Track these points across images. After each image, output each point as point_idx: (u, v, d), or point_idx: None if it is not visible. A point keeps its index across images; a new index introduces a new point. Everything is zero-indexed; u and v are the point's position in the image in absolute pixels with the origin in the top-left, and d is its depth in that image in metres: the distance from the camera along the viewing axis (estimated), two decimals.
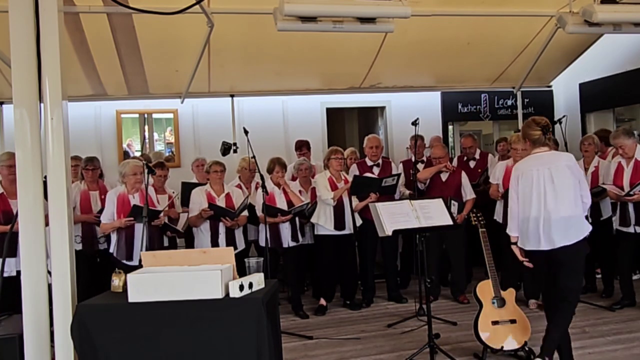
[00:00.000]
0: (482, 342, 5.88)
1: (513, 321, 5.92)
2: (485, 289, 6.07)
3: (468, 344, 6.37)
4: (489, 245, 6.27)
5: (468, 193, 8.36)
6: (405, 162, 9.11)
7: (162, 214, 7.14)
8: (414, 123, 7.82)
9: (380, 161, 8.59)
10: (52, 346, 4.56)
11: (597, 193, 7.72)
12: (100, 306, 4.35)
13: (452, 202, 7.83)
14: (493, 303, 6.01)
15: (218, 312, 4.16)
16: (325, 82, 10.32)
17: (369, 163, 8.53)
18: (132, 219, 6.76)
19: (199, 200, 7.53)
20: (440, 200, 6.31)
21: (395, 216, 5.93)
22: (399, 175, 8.26)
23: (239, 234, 7.74)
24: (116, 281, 4.63)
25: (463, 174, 8.45)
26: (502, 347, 5.83)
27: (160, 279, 4.20)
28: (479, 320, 5.94)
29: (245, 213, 7.75)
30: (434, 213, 6.08)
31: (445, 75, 10.56)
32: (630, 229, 7.43)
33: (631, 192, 7.24)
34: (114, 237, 7.06)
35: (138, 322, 4.19)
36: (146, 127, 10.71)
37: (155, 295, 4.17)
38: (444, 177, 8.36)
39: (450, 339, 6.65)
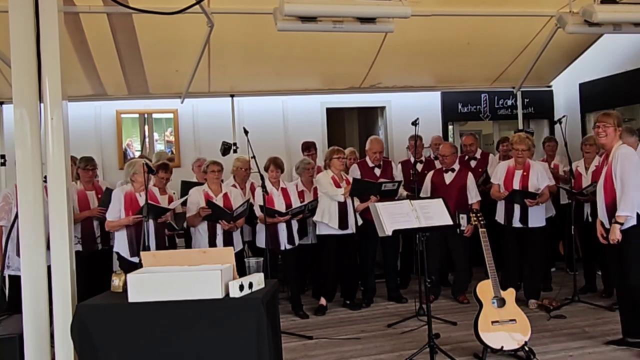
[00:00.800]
0: (482, 342, 5.88)
1: (513, 321, 5.93)
2: (485, 289, 6.07)
3: (468, 344, 6.38)
4: (489, 245, 6.27)
5: (473, 195, 8.33)
6: (404, 163, 9.12)
7: (169, 213, 7.19)
8: (414, 123, 7.83)
9: (381, 162, 8.59)
10: (52, 346, 4.57)
11: (596, 192, 7.71)
12: (100, 306, 4.36)
13: (460, 215, 7.82)
14: (493, 303, 6.01)
15: (218, 312, 4.16)
16: (325, 82, 10.32)
17: (370, 164, 8.54)
18: (140, 216, 6.74)
19: (196, 199, 7.51)
20: (440, 200, 6.32)
21: (395, 216, 5.94)
22: (400, 182, 8.25)
23: (236, 235, 7.71)
24: (116, 281, 4.64)
25: (470, 175, 8.42)
26: (502, 347, 5.83)
27: (160, 279, 4.21)
28: (479, 320, 5.94)
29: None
30: (434, 213, 6.09)
31: (445, 75, 10.57)
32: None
33: None
34: (121, 236, 7.08)
35: (138, 322, 4.20)
36: (146, 127, 10.71)
37: (155, 295, 4.17)
38: (448, 178, 8.34)
39: (450, 339, 6.66)
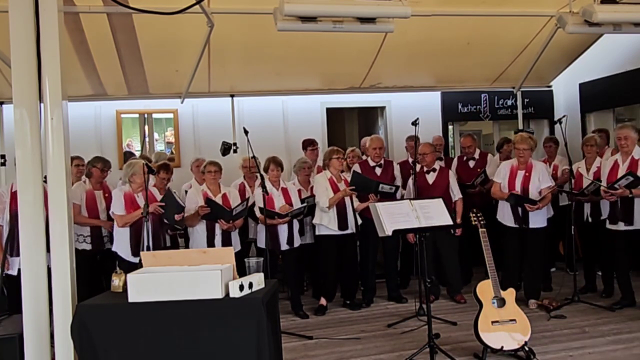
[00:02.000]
0: (482, 342, 5.88)
1: (513, 321, 5.92)
2: (485, 289, 6.07)
3: (468, 343, 6.38)
4: (489, 245, 6.27)
5: (456, 193, 8.34)
6: (403, 164, 9.12)
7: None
8: (414, 123, 7.82)
9: (382, 162, 8.57)
10: (52, 346, 4.58)
11: (596, 192, 7.73)
12: (100, 306, 4.38)
13: None
14: (493, 303, 6.01)
15: (218, 312, 4.18)
16: (325, 82, 10.34)
17: (371, 163, 8.53)
18: (163, 204, 6.94)
19: (195, 200, 7.51)
20: (440, 200, 6.33)
21: (395, 216, 5.94)
22: (397, 187, 8.23)
23: (234, 235, 7.71)
24: (116, 281, 4.66)
25: (450, 173, 8.45)
26: (502, 347, 5.83)
27: (160, 279, 4.22)
28: (479, 320, 5.93)
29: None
30: (434, 213, 6.10)
31: (445, 75, 10.59)
32: (620, 227, 7.42)
33: (615, 186, 7.23)
34: (120, 236, 7.09)
35: (138, 322, 4.22)
36: (146, 127, 10.73)
37: (155, 295, 4.18)
38: (430, 178, 8.33)
39: (450, 339, 6.66)
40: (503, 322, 5.92)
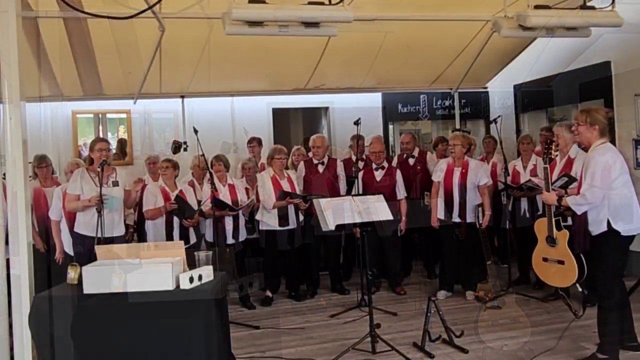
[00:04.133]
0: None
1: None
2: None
3: (408, 333, 6.66)
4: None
5: (401, 192, 8.53)
6: (346, 161, 9.29)
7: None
8: (356, 123, 8.01)
9: (325, 160, 8.76)
10: (11, 335, 4.73)
11: (532, 188, 8.00)
12: (56, 297, 4.51)
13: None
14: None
15: (169, 303, 4.38)
16: (271, 84, 10.55)
17: (315, 161, 8.73)
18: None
19: (155, 195, 7.70)
20: (381, 196, 6.56)
21: (338, 211, 6.19)
22: (305, 196, 8.25)
23: (191, 229, 7.84)
24: (72, 273, 4.78)
25: (398, 173, 8.60)
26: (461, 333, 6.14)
27: (113, 271, 4.42)
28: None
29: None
30: (374, 208, 6.34)
31: (386, 76, 10.79)
32: None
33: (552, 188, 7.48)
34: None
35: (93, 313, 4.40)
36: (100, 127, 10.87)
37: (109, 286, 4.39)
38: (378, 176, 8.51)
39: (391, 329, 6.88)
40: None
